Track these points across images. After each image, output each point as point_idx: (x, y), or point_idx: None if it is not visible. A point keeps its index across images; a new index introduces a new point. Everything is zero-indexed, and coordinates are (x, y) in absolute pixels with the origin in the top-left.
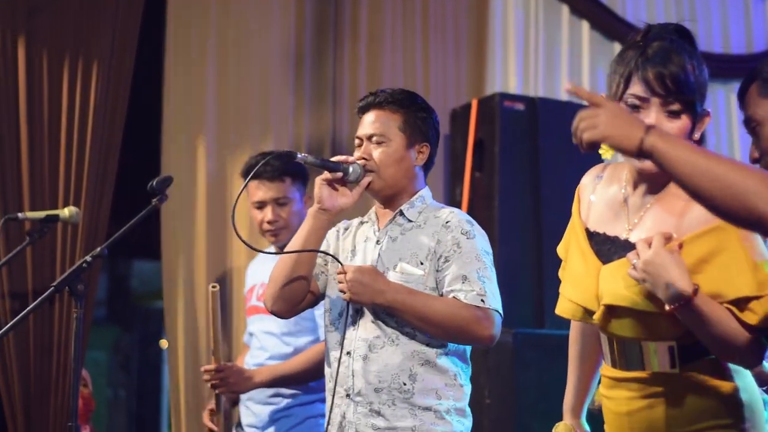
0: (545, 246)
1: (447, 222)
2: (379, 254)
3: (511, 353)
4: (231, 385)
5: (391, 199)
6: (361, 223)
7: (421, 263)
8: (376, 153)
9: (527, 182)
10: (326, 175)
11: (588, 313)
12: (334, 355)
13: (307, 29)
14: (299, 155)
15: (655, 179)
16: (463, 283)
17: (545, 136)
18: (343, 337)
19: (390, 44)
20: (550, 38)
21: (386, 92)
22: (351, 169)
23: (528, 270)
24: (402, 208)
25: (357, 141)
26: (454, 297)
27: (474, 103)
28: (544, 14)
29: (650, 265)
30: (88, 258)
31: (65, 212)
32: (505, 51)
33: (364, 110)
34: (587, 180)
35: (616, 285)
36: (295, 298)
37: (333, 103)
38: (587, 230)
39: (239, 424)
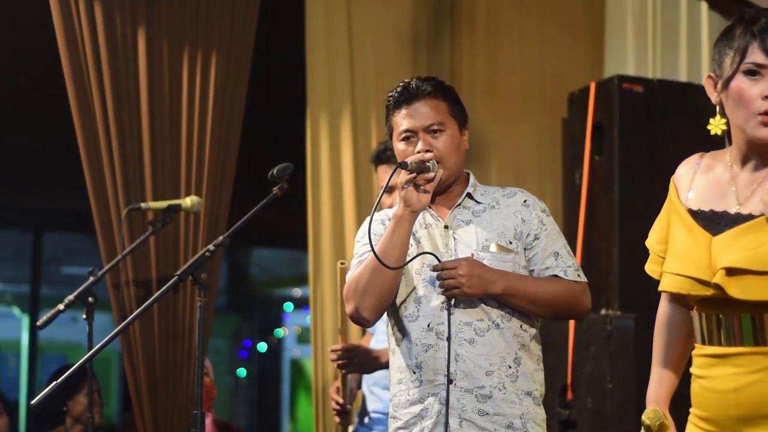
0: None
1: (525, 201)
2: (455, 239)
3: (632, 337)
4: (357, 365)
5: (447, 188)
6: None
7: (510, 243)
8: (439, 142)
9: (647, 165)
10: (407, 177)
11: (699, 283)
12: (426, 342)
13: (424, 16)
14: (408, 162)
15: (767, 154)
16: (556, 259)
17: (665, 118)
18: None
19: (507, 29)
20: (668, 19)
21: (424, 80)
22: (432, 166)
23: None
24: (469, 190)
25: (407, 134)
26: (553, 275)
27: (592, 87)
28: None
29: None
30: (210, 247)
31: (187, 201)
32: (622, 33)
33: (406, 102)
34: (683, 170)
35: (734, 249)
36: (386, 308)
37: None
38: (690, 210)
39: (364, 411)
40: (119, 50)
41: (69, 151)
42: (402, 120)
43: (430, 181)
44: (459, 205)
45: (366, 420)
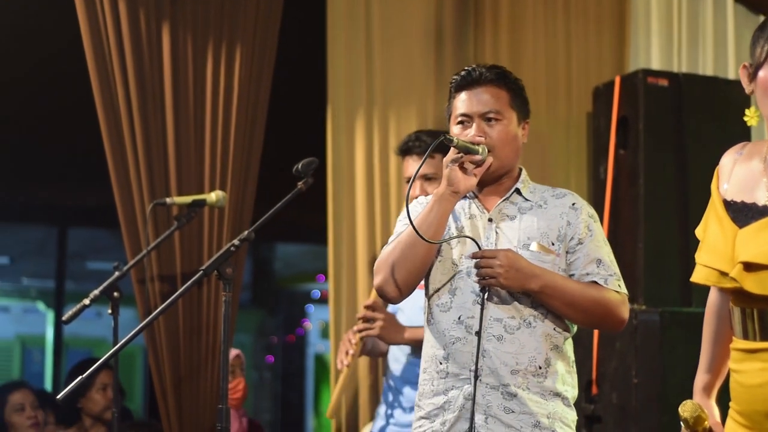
0: (691, 223)
1: (573, 204)
2: (497, 233)
3: (658, 332)
4: (381, 329)
5: (497, 179)
6: None
7: (552, 244)
8: (494, 131)
9: (672, 159)
10: (453, 155)
11: (723, 276)
12: (454, 334)
13: (448, 10)
14: (447, 136)
15: None
16: (598, 266)
17: (690, 112)
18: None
19: (531, 23)
20: (694, 12)
21: (489, 68)
22: (481, 150)
23: (674, 248)
24: (518, 186)
25: (463, 118)
26: (593, 281)
27: (617, 81)
28: None
29: None
30: (235, 242)
31: (212, 196)
32: (647, 26)
33: (468, 86)
34: (726, 160)
35: (755, 243)
36: (413, 285)
37: None
38: (724, 201)
39: (390, 405)
40: (143, 46)
41: (93, 147)
42: (460, 104)
43: (477, 164)
44: (506, 199)
45: (390, 417)
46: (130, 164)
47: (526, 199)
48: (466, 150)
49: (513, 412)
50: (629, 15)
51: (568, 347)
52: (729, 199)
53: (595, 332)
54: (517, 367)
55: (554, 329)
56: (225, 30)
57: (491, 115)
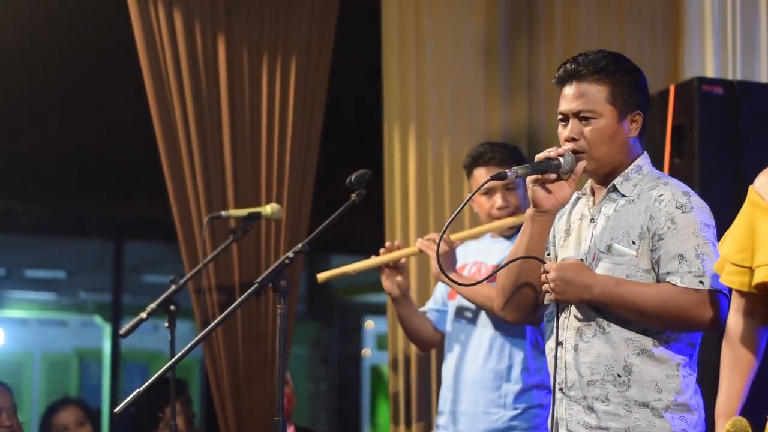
0: None
1: (660, 195)
2: (592, 235)
3: (711, 338)
4: (441, 255)
5: (607, 176)
6: (577, 198)
7: (633, 243)
8: (586, 131)
9: (728, 168)
10: (532, 177)
11: None
12: (548, 346)
13: (501, 21)
14: (509, 172)
15: None
16: (679, 263)
17: (746, 120)
18: (555, 327)
19: (585, 33)
20: (748, 19)
21: (587, 59)
22: (562, 162)
23: None
24: (615, 182)
25: (560, 116)
26: (669, 281)
27: (671, 89)
28: None
29: None
30: (290, 254)
31: (267, 209)
32: (701, 34)
33: (564, 81)
34: (764, 179)
35: None
36: (525, 306)
37: (528, 95)
38: None
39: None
40: (199, 59)
41: (150, 161)
42: (561, 100)
43: (563, 176)
44: (605, 197)
45: None
46: (187, 178)
47: (623, 195)
48: (534, 173)
49: (590, 427)
50: (683, 22)
51: (667, 349)
52: None
53: None
54: (593, 378)
55: (641, 333)
56: (280, 42)
57: (582, 115)
